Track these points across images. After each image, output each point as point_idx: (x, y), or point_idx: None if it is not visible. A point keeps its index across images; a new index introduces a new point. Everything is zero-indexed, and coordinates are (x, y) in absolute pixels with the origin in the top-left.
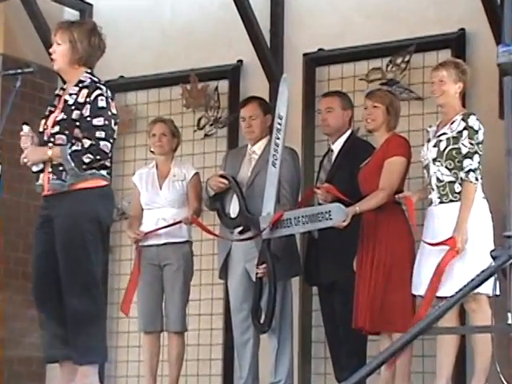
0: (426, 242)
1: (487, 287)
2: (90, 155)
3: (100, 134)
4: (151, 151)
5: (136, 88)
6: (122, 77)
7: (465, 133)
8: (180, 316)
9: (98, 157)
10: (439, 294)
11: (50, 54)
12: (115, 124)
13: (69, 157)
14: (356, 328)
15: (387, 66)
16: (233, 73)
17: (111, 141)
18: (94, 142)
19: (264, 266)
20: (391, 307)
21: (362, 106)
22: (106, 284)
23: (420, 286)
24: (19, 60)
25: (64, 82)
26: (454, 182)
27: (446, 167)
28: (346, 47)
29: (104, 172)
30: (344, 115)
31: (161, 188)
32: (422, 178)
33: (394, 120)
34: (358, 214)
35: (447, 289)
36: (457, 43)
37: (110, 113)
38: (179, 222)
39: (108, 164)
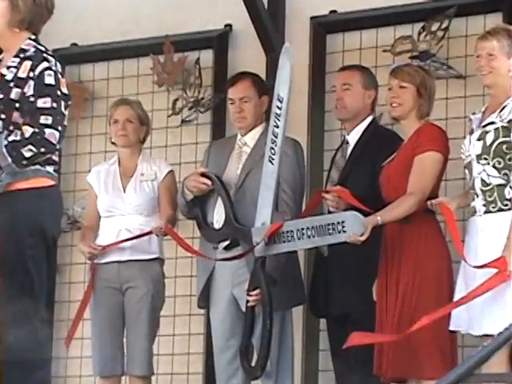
0: (467, 263)
1: None
2: (32, 147)
3: (46, 119)
4: (112, 142)
5: (93, 59)
6: (75, 45)
7: None
8: (146, 356)
9: (43, 149)
10: (483, 330)
11: None
12: (66, 107)
13: (4, 149)
14: (377, 374)
15: (419, 33)
16: (219, 41)
17: (60, 128)
18: (37, 130)
19: (257, 291)
20: (421, 347)
21: (385, 87)
22: (52, 314)
23: (461, 321)
24: None
25: (0, 52)
26: (503, 186)
27: (494, 166)
28: (366, 9)
29: (50, 169)
30: (365, 96)
31: (124, 190)
32: (463, 180)
33: (426, 104)
34: (380, 225)
35: (494, 323)
36: (510, 5)
37: (59, 92)
38: (148, 234)
39: (56, 158)
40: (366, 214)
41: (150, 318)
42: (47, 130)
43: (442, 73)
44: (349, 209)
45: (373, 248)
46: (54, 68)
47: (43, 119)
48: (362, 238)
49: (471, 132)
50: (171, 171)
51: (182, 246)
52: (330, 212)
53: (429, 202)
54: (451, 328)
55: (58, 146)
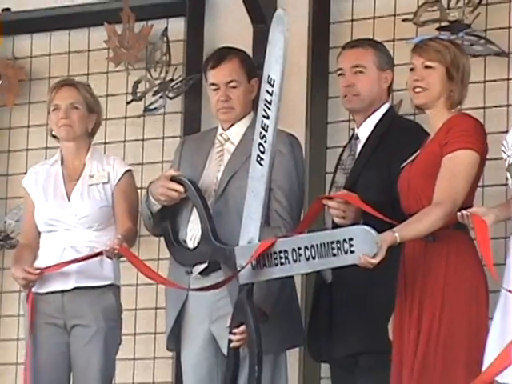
0: (508, 291)
1: None
2: None
3: None
4: (53, 135)
5: (31, 30)
6: (7, 10)
7: None
8: None
9: None
10: None
11: None
12: None
13: None
14: None
15: None
16: (193, 7)
17: None
18: None
19: (242, 329)
20: None
21: (406, 66)
22: None
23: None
24: None
25: None
26: None
27: None
28: None
29: None
30: (381, 79)
31: (69, 197)
32: (505, 186)
33: (459, 90)
34: (398, 244)
35: None
36: None
37: None
38: (98, 255)
39: None
40: (380, 230)
41: (102, 363)
42: None
43: (478, 49)
44: (358, 222)
45: (388, 273)
46: None
47: None
48: (375, 261)
49: None
50: (129, 171)
51: (143, 273)
52: (334, 226)
53: (459, 214)
54: (501, 381)
55: None
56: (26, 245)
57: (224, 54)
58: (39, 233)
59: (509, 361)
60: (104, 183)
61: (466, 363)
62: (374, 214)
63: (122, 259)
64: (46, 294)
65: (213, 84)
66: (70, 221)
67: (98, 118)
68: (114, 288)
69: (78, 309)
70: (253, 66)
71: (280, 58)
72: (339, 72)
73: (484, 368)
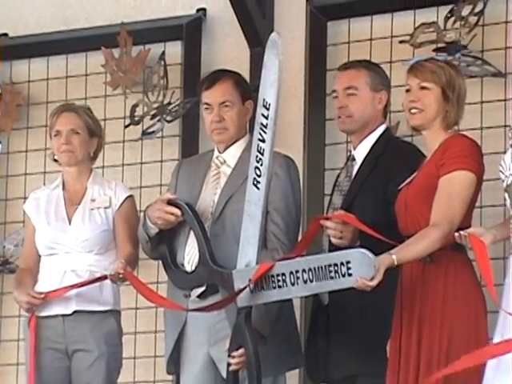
0: (508, 313)
1: None
2: None
3: None
4: (54, 160)
5: (29, 54)
6: (4, 35)
7: None
8: None
9: None
10: None
11: None
12: None
13: None
14: None
15: (446, 19)
16: (190, 31)
17: None
18: None
19: (241, 352)
20: None
21: (403, 88)
22: None
23: None
24: None
25: None
26: None
27: None
28: None
29: None
30: (375, 100)
31: (70, 221)
32: (503, 207)
33: (455, 110)
34: (395, 266)
35: None
36: None
37: None
38: (102, 279)
39: None
40: (377, 253)
41: None
42: None
43: (475, 69)
44: (356, 246)
45: (386, 295)
46: None
47: None
48: (373, 283)
49: None
50: (130, 196)
51: (145, 296)
52: (331, 249)
53: (456, 234)
54: None
55: None
56: (26, 269)
57: (218, 76)
58: (39, 257)
59: None
60: (105, 208)
61: (466, 381)
62: (372, 233)
63: (125, 283)
64: (47, 317)
65: (206, 104)
66: (70, 244)
67: (100, 142)
68: (115, 313)
69: (80, 334)
70: (247, 87)
71: (275, 82)
72: (334, 94)
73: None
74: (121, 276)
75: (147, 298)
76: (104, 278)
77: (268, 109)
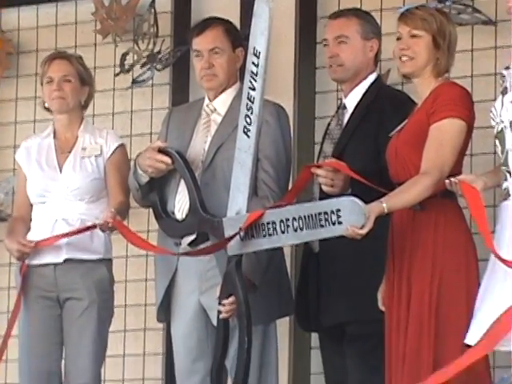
0: (499, 259)
1: None
2: None
3: None
4: (45, 107)
5: (18, 2)
6: None
7: None
8: (91, 383)
9: None
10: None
11: None
12: None
13: None
14: None
15: None
16: None
17: None
18: None
19: (231, 300)
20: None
21: (392, 36)
22: None
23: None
24: None
25: None
26: None
27: None
28: None
29: None
30: (366, 49)
31: (61, 169)
32: (493, 155)
33: (445, 58)
34: (386, 214)
35: None
36: None
37: None
38: (91, 228)
39: None
40: (368, 201)
41: (95, 335)
42: None
43: (466, 17)
44: (347, 194)
45: (376, 242)
46: None
47: None
48: (363, 231)
49: (504, 92)
50: (122, 145)
51: (135, 245)
52: (322, 197)
53: (447, 181)
54: (466, 341)
55: None
56: (18, 217)
57: (209, 23)
58: (32, 206)
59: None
60: (96, 156)
61: (457, 328)
62: (363, 181)
63: (114, 233)
64: (38, 266)
65: (196, 51)
66: (61, 192)
67: (91, 90)
68: (106, 261)
69: (71, 282)
70: (238, 35)
71: (265, 30)
72: (324, 42)
73: (471, 332)
74: (110, 225)
75: (137, 246)
76: (93, 227)
77: (258, 57)
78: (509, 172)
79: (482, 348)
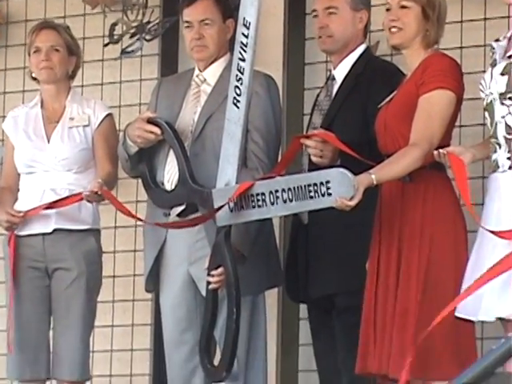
0: (487, 230)
1: None
2: None
3: None
4: (33, 77)
5: None
6: None
7: None
8: (79, 355)
9: None
10: (495, 313)
11: None
12: None
13: None
14: (368, 375)
15: None
16: None
17: None
18: None
19: (220, 270)
20: (431, 340)
21: (382, 6)
22: None
23: (467, 305)
24: None
25: None
26: None
27: None
28: None
29: None
30: (355, 20)
31: (48, 139)
32: (483, 126)
33: (435, 29)
34: (375, 185)
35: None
36: None
37: None
38: (77, 199)
39: None
40: (357, 172)
41: (83, 305)
42: None
43: None
44: (336, 165)
45: (365, 214)
46: None
47: None
48: (352, 203)
49: (493, 64)
50: (109, 115)
51: (122, 212)
52: (311, 169)
53: (435, 152)
54: (456, 314)
55: None
56: (6, 188)
57: None
58: (19, 176)
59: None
60: (84, 126)
61: (445, 290)
62: (351, 153)
63: (102, 204)
64: (27, 236)
65: (187, 22)
66: (49, 163)
67: (78, 61)
68: (95, 232)
69: (59, 252)
70: (228, 6)
71: (255, 1)
72: (314, 13)
73: (461, 304)
74: (98, 194)
75: (126, 213)
76: (79, 196)
77: (248, 28)
78: (498, 144)
79: (480, 282)
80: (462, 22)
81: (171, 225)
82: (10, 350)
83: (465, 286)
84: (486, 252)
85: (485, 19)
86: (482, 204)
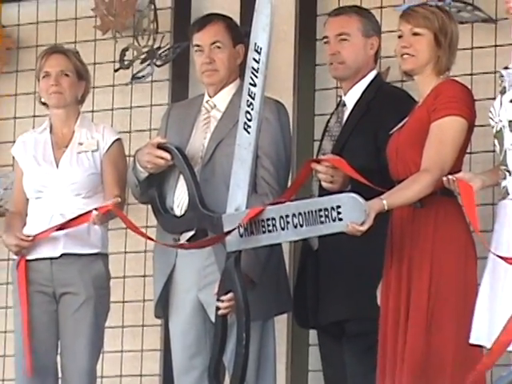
0: (498, 256)
1: None
2: None
3: None
4: (42, 102)
5: None
6: None
7: None
8: (87, 379)
9: None
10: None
11: None
12: None
13: None
14: None
15: None
16: None
17: None
18: None
19: (230, 296)
20: (439, 364)
21: (391, 34)
22: None
23: (480, 332)
24: None
25: None
26: None
27: None
28: None
29: None
30: (366, 46)
31: (57, 164)
32: (493, 153)
33: (447, 56)
34: (386, 211)
35: None
36: None
37: None
38: (87, 216)
39: None
40: (368, 198)
41: (91, 330)
42: None
43: (466, 15)
44: (347, 190)
45: (376, 239)
46: None
47: None
48: (363, 228)
49: (503, 91)
50: (118, 140)
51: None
52: (321, 194)
53: (445, 178)
54: (471, 341)
55: None
56: (16, 212)
57: (210, 18)
58: (28, 200)
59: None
60: (93, 151)
61: (455, 317)
62: (360, 179)
63: (111, 227)
64: (35, 260)
65: (197, 46)
66: (58, 187)
67: (87, 86)
68: (103, 256)
69: (67, 277)
70: (238, 32)
71: (267, 26)
72: (325, 40)
73: (474, 331)
74: (108, 211)
75: (137, 233)
76: (89, 213)
77: (259, 53)
78: (508, 171)
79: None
80: (472, 48)
81: (180, 246)
82: (28, 373)
83: (478, 311)
84: (498, 277)
85: (495, 46)
86: (490, 230)
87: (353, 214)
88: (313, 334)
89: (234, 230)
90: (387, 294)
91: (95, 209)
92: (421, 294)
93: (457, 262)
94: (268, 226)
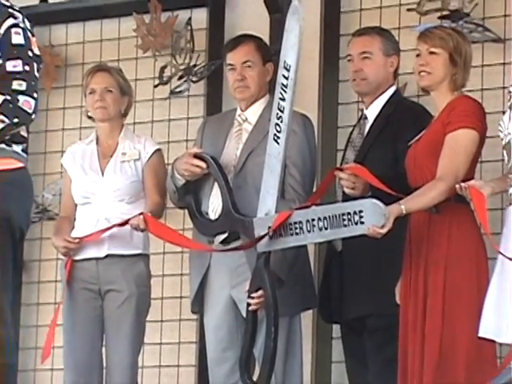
0: (506, 257)
1: None
2: (3, 117)
3: (19, 85)
4: (88, 116)
5: (66, 19)
6: (44, 1)
7: None
8: (129, 369)
9: (16, 119)
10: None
11: None
12: (38, 70)
13: None
14: None
15: None
16: None
17: (35, 95)
18: (9, 98)
19: (260, 293)
20: (453, 358)
21: (408, 52)
22: (18, 320)
23: (488, 326)
24: None
25: None
26: None
27: None
28: None
29: (18, 148)
30: (387, 64)
31: (103, 173)
32: (501, 162)
33: (461, 74)
34: (404, 215)
35: None
36: None
37: (30, 53)
38: (124, 224)
39: (25, 135)
40: (387, 203)
41: (133, 324)
42: (21, 98)
43: (476, 36)
44: (367, 196)
45: (395, 242)
46: (22, 25)
47: (16, 85)
48: (383, 231)
49: (511, 107)
50: (158, 150)
51: (168, 241)
52: (344, 199)
53: (457, 186)
54: (480, 334)
55: (33, 116)
56: (65, 217)
57: (241, 39)
58: (76, 206)
59: None
60: (135, 160)
61: (468, 313)
62: (379, 186)
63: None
64: (82, 260)
65: (230, 65)
66: (103, 194)
67: (130, 100)
68: (144, 257)
69: (112, 276)
70: (268, 51)
71: (295, 45)
72: (348, 58)
73: (482, 326)
74: (141, 227)
75: (170, 242)
76: (126, 223)
77: (288, 70)
78: None
79: None
80: (482, 66)
81: (220, 250)
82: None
83: (486, 307)
84: (507, 276)
85: (503, 64)
86: (499, 233)
87: (373, 217)
88: (336, 329)
89: (265, 235)
90: (406, 293)
91: (141, 213)
92: (437, 291)
93: (469, 262)
94: (295, 228)
